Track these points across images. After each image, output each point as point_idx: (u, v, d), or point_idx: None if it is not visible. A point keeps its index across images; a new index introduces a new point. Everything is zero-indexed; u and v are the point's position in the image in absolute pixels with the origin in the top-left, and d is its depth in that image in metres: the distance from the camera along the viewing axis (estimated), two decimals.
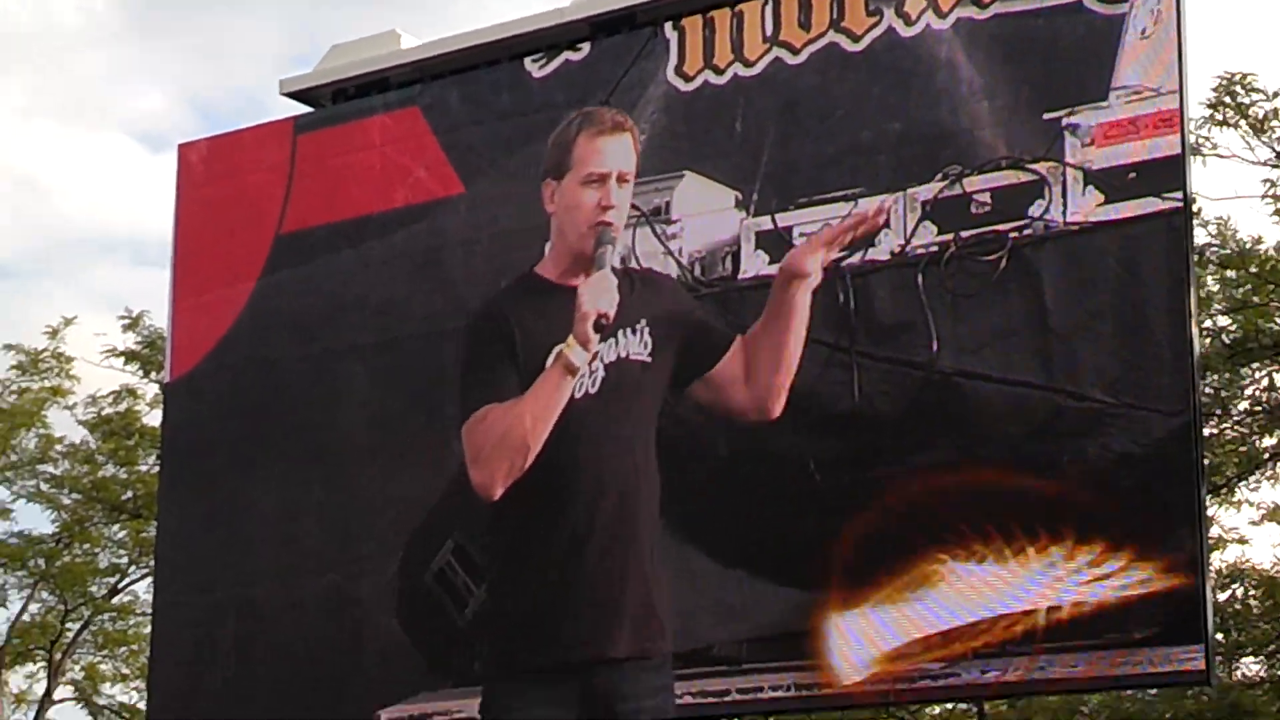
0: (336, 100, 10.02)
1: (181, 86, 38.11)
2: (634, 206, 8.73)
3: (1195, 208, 12.90)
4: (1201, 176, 13.21)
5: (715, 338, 8.35)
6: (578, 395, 8.31)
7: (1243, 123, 12.93)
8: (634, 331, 8.38)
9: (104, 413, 19.07)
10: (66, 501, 19.22)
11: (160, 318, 18.55)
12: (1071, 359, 7.74)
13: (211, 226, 10.12)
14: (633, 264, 8.65)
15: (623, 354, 8.38)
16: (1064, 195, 7.85)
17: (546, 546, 8.47)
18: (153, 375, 18.51)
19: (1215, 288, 13.20)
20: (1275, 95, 12.94)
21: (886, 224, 8.15)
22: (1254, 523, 14.07)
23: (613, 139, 8.56)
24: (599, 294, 8.15)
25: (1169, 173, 7.68)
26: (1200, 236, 12.98)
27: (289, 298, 9.75)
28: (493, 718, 8.58)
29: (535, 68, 9.30)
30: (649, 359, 8.39)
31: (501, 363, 8.51)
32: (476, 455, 8.51)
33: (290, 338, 9.71)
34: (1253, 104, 12.96)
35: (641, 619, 8.27)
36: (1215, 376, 12.95)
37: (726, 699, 8.15)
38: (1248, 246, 13.05)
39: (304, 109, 10.12)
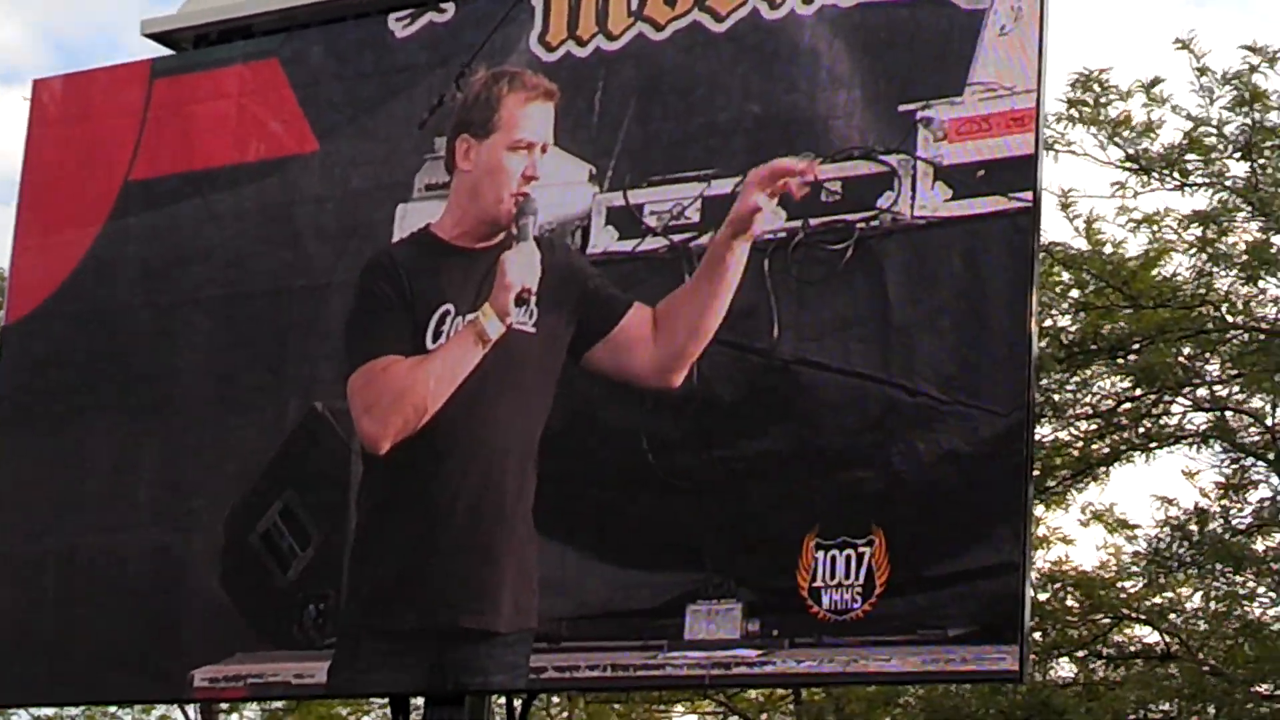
0: (199, 45, 9.90)
1: (40, 20, 37.51)
2: None
3: (1067, 200, 13.11)
4: (1053, 172, 13.37)
5: (612, 302, 8.24)
6: None
7: (1095, 126, 13.02)
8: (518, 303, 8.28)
9: None
10: None
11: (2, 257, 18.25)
12: (910, 354, 7.75)
13: (60, 168, 9.97)
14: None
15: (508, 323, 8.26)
16: (913, 189, 7.84)
17: (415, 511, 8.42)
18: None
19: (1064, 287, 13.29)
20: (1129, 95, 13.05)
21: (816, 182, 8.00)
22: (1081, 523, 14.23)
23: (542, 106, 8.47)
24: (524, 267, 8.13)
25: (1019, 172, 7.69)
26: (1061, 232, 13.13)
27: (135, 245, 9.61)
28: (343, 678, 8.46)
29: (399, 27, 9.20)
30: (533, 330, 8.27)
31: (393, 314, 8.43)
32: (370, 406, 8.43)
33: (134, 286, 9.57)
34: (1109, 103, 13.05)
35: (502, 594, 8.16)
36: (1053, 377, 13.05)
37: (543, 675, 8.08)
38: (1090, 250, 13.14)
39: (165, 50, 9.96)
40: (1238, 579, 13.09)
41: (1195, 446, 13.29)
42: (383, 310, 8.50)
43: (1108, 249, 13.20)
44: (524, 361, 8.26)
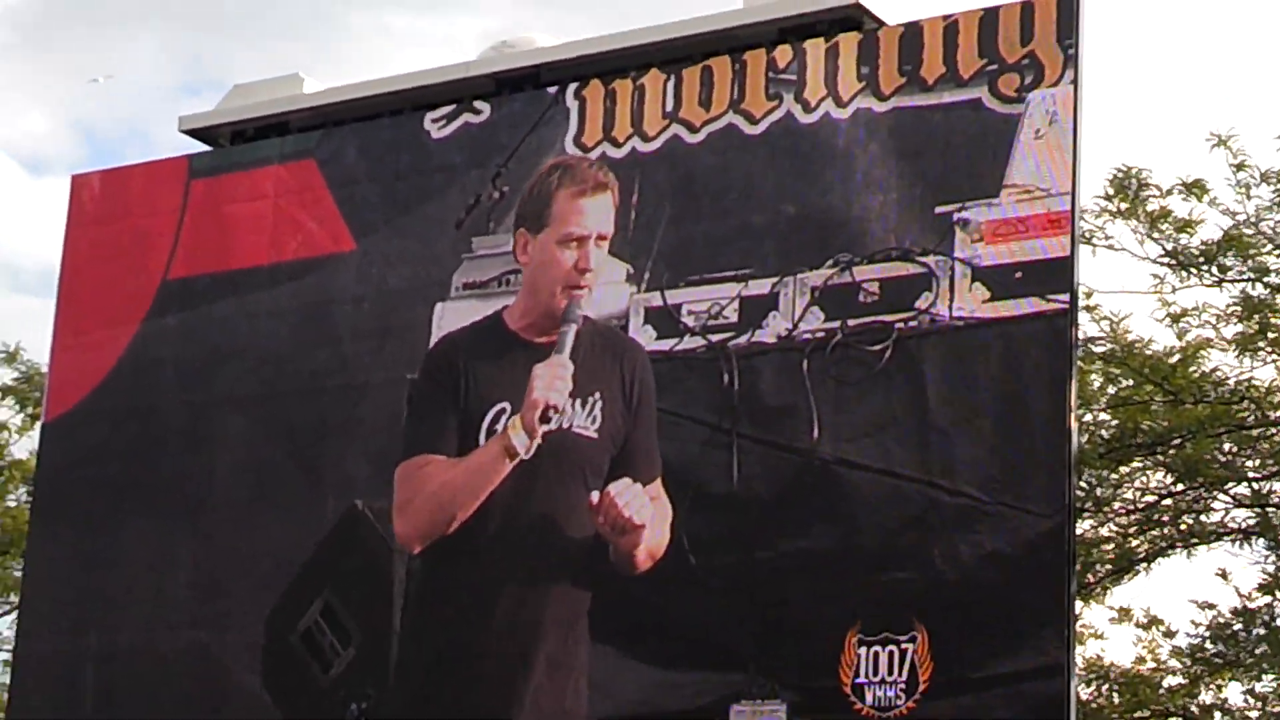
0: (235, 140, 9.99)
1: (67, 110, 37.66)
2: None
3: (1090, 301, 13.13)
4: (1092, 268, 13.38)
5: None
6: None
7: (1134, 219, 13.04)
8: (583, 404, 8.26)
9: None
10: None
11: (36, 351, 18.40)
12: (949, 453, 7.75)
13: (98, 265, 10.05)
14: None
15: (564, 424, 8.21)
16: (951, 290, 7.88)
17: (451, 610, 8.39)
18: (28, 410, 18.24)
19: (1098, 383, 13.31)
20: (1168, 193, 13.08)
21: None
22: (1112, 620, 14.20)
23: (594, 199, 8.48)
24: (551, 383, 8.04)
25: (1055, 274, 7.72)
26: (1092, 330, 13.13)
27: (171, 344, 9.67)
28: None
29: (435, 128, 9.28)
30: (595, 436, 8.29)
31: (444, 410, 8.42)
32: (405, 505, 8.42)
33: (170, 385, 9.63)
34: (1146, 199, 13.08)
35: (537, 698, 8.14)
36: (1092, 474, 13.04)
37: None
38: (1136, 345, 13.16)
39: (201, 145, 10.06)
40: None
41: (1238, 543, 13.27)
42: (433, 403, 8.50)
43: (1150, 345, 13.17)
44: (580, 463, 8.25)
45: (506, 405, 8.24)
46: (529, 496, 8.21)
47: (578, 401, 8.18)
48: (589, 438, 8.27)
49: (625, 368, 8.36)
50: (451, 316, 8.90)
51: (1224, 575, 13.69)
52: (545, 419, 8.03)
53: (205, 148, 10.04)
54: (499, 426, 8.23)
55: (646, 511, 7.99)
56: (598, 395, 8.25)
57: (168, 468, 9.51)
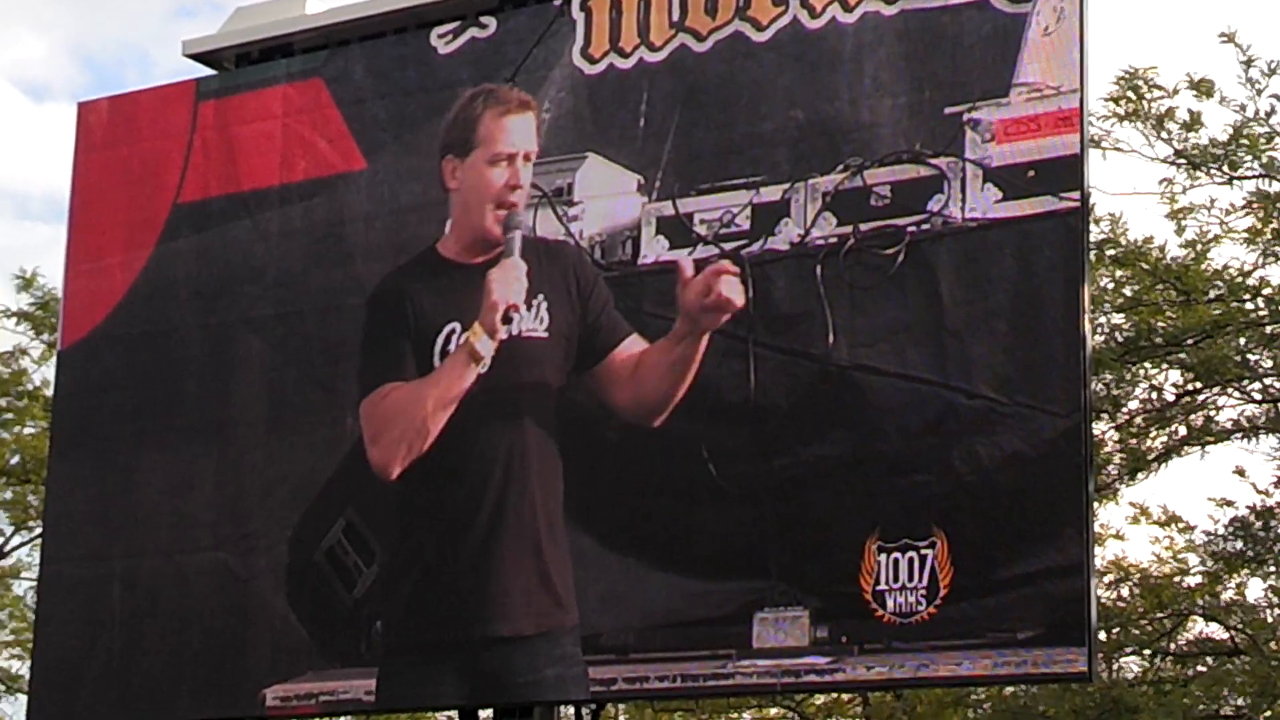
0: (240, 64, 9.94)
1: (65, 34, 37.44)
2: (536, 186, 8.71)
3: (1091, 202, 13.08)
4: (1101, 171, 13.33)
5: (612, 329, 8.34)
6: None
7: (1141, 122, 12.98)
8: (530, 308, 8.37)
9: None
10: None
11: (52, 277, 18.42)
12: (965, 356, 7.76)
13: (109, 191, 10.02)
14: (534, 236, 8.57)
15: (515, 331, 8.36)
16: (963, 191, 7.86)
17: (438, 525, 8.52)
18: (44, 336, 18.27)
19: (1110, 285, 13.28)
20: (1175, 92, 13.02)
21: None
22: (1131, 520, 14.22)
23: (518, 118, 8.63)
24: (509, 284, 8.23)
25: (1067, 172, 7.70)
26: (1095, 233, 13.06)
27: (186, 267, 9.67)
28: (387, 695, 8.57)
29: (441, 44, 9.24)
30: (545, 335, 8.39)
31: (397, 340, 8.56)
32: (376, 435, 8.56)
33: (186, 308, 9.64)
34: (1154, 100, 13.03)
35: (530, 596, 8.26)
36: (1108, 374, 13.03)
37: (613, 688, 8.15)
38: (1139, 245, 13.14)
39: (205, 70, 10.03)
40: None
41: (1250, 439, 13.27)
42: (384, 337, 8.64)
43: (1156, 244, 13.16)
44: (538, 364, 8.36)
45: (456, 325, 8.41)
46: (492, 406, 8.27)
47: (524, 306, 8.30)
48: (540, 338, 8.39)
49: (566, 266, 8.45)
50: None
51: (1241, 473, 13.71)
52: (507, 319, 8.23)
53: (209, 71, 10.00)
54: (451, 346, 8.35)
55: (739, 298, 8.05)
56: (541, 296, 8.38)
57: (186, 390, 9.53)
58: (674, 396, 8.12)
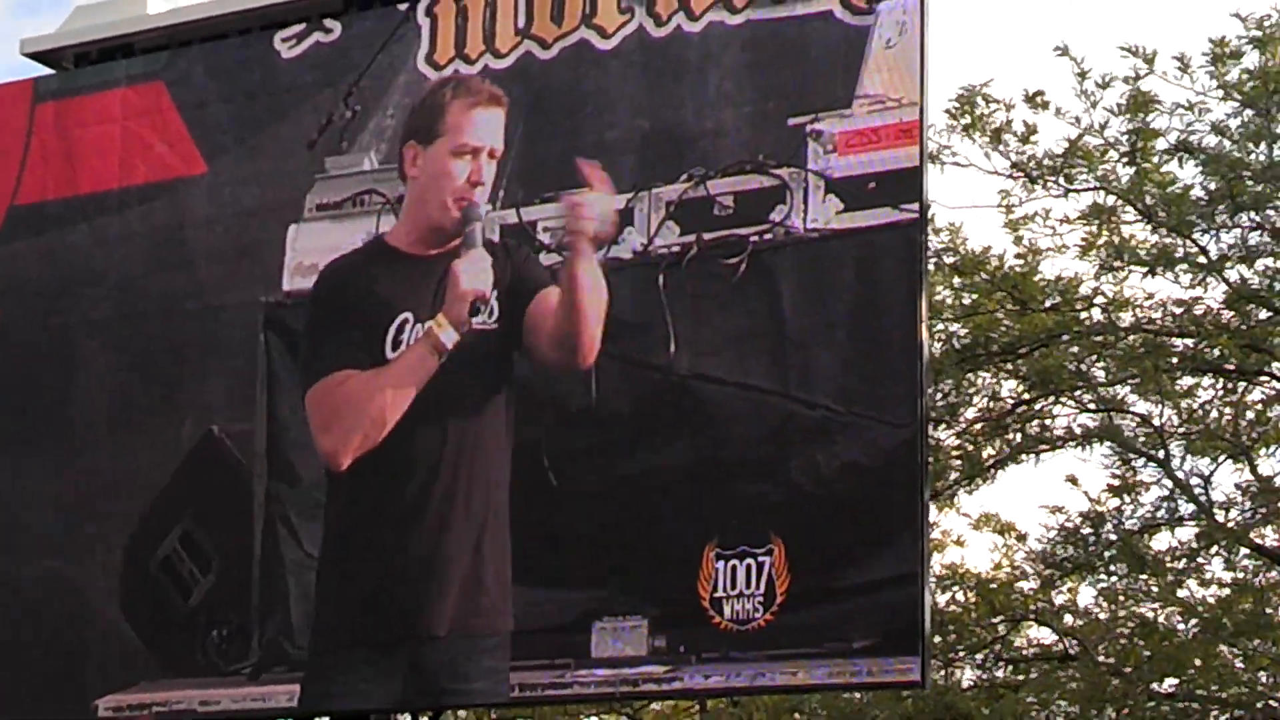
0: (79, 63, 9.81)
1: None
2: (379, 193, 8.65)
3: (930, 214, 13.23)
4: (940, 184, 13.52)
5: (533, 284, 8.18)
6: None
7: (978, 134, 13.19)
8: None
9: None
10: None
11: None
12: (806, 366, 7.81)
13: None
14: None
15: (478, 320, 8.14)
16: (805, 202, 7.90)
17: (381, 519, 8.31)
18: None
19: (948, 295, 13.48)
20: (1010, 107, 13.22)
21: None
22: (973, 526, 14.40)
23: (488, 111, 8.38)
24: (475, 274, 8.01)
25: (907, 184, 7.75)
26: (934, 243, 13.25)
27: (24, 269, 9.54)
28: (316, 692, 8.40)
29: (285, 48, 9.17)
30: (495, 326, 8.21)
31: (348, 328, 8.33)
32: (328, 423, 8.30)
33: (24, 310, 9.50)
34: (990, 114, 13.23)
35: (468, 594, 8.11)
36: (947, 382, 13.20)
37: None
38: (977, 254, 13.34)
39: (42, 69, 9.90)
40: (1142, 577, 13.30)
41: (1083, 447, 13.48)
42: (335, 323, 8.42)
43: (993, 254, 13.38)
44: (487, 358, 8.19)
45: (408, 315, 8.20)
46: (442, 399, 8.15)
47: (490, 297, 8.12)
48: (490, 329, 8.23)
49: (511, 258, 8.29)
50: (305, 238, 8.83)
51: (1074, 481, 13.91)
52: (475, 311, 7.99)
53: (48, 70, 9.86)
54: (404, 337, 8.19)
55: (606, 228, 7.97)
56: (494, 288, 8.19)
57: (23, 393, 9.39)
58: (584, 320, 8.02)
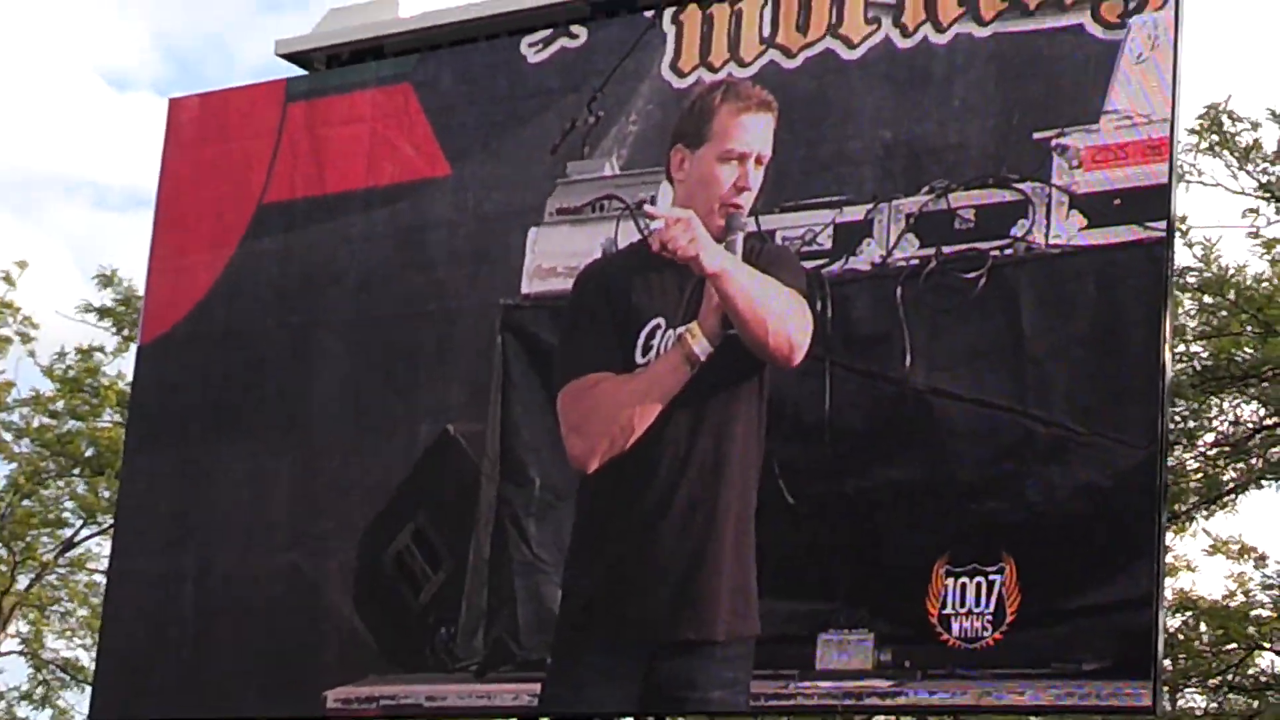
0: (330, 64, 9.99)
1: (148, 24, 37.61)
2: (618, 198, 8.68)
3: (1185, 227, 12.99)
4: (1186, 201, 13.27)
5: None
6: None
7: (1227, 152, 12.93)
8: None
9: (69, 367, 18.95)
10: (22, 451, 19.11)
11: (126, 269, 18.68)
12: (1044, 383, 7.69)
13: (195, 189, 10.09)
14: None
15: (731, 330, 8.03)
16: (1048, 217, 7.79)
17: (626, 524, 8.25)
18: (123, 332, 18.44)
19: (1193, 312, 13.23)
20: (1258, 125, 12.95)
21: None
22: (1206, 552, 14.12)
23: (757, 116, 8.27)
24: None
25: (1154, 201, 7.63)
26: (1185, 258, 13.05)
27: (268, 267, 9.71)
28: (556, 692, 8.40)
29: (531, 52, 9.25)
30: None
31: (604, 329, 8.27)
32: (579, 424, 8.21)
33: (267, 309, 9.67)
34: (1238, 133, 12.96)
35: (710, 603, 8.05)
36: (1184, 404, 12.96)
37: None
38: (1229, 274, 13.06)
39: (293, 69, 10.10)
40: None
41: None
42: (591, 325, 8.35)
43: (1243, 273, 13.09)
44: (741, 369, 8.06)
45: (660, 320, 8.12)
46: (698, 410, 8.09)
47: None
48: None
49: (788, 266, 8.16)
50: (545, 242, 8.89)
51: None
52: (728, 323, 7.88)
53: (299, 71, 10.05)
54: (655, 342, 8.11)
55: (695, 245, 7.86)
56: None
57: (265, 390, 9.56)
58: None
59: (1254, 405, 13.44)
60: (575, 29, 9.15)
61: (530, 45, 9.25)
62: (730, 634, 7.96)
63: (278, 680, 9.10)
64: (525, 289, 8.90)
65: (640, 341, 8.13)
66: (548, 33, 9.21)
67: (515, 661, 8.56)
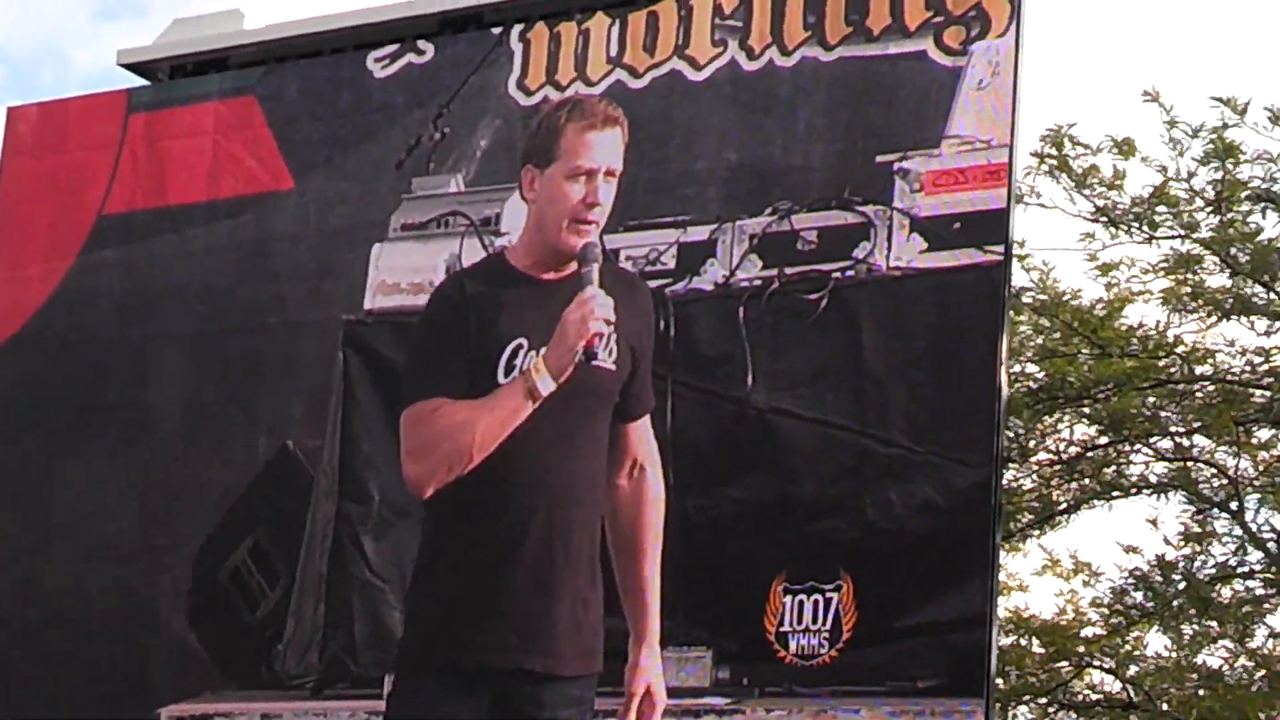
0: (174, 75, 9.90)
1: None
2: (463, 215, 8.67)
3: (1022, 251, 13.23)
4: (1025, 223, 13.53)
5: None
6: None
7: (1065, 176, 13.18)
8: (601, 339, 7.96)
9: None
10: None
11: None
12: (883, 403, 7.78)
13: (35, 199, 9.95)
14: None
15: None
16: (889, 240, 7.88)
17: (475, 549, 8.11)
18: None
19: (1030, 333, 13.48)
20: (1098, 150, 13.21)
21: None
22: (1036, 572, 14.37)
23: (604, 133, 8.16)
24: (582, 323, 7.66)
25: (992, 225, 7.73)
26: (1022, 279, 13.29)
27: (108, 279, 9.60)
28: (400, 713, 8.29)
29: (377, 67, 9.22)
30: (613, 368, 8.00)
31: (453, 352, 8.15)
32: (417, 449, 8.01)
33: (106, 320, 9.55)
34: (1076, 157, 13.22)
35: (559, 638, 7.96)
36: (1019, 423, 13.17)
37: None
38: (1065, 297, 13.31)
39: (135, 79, 10.00)
40: (1209, 624, 13.24)
41: (1158, 496, 13.43)
42: (439, 346, 8.25)
43: (1079, 297, 13.35)
44: (603, 398, 8.06)
45: (523, 341, 7.97)
46: (548, 433, 8.01)
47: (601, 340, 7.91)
48: (608, 370, 7.98)
49: (638, 301, 8.13)
50: (389, 258, 8.86)
51: (1154, 523, 13.90)
52: (590, 355, 7.64)
53: (141, 81, 9.96)
54: (518, 363, 8.00)
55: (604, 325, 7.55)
56: (612, 327, 7.98)
57: (102, 403, 9.44)
58: None
59: (1084, 424, 13.69)
60: (422, 45, 9.14)
61: (377, 60, 9.23)
62: (579, 670, 7.91)
63: (111, 696, 8.97)
64: (369, 304, 8.86)
65: (503, 361, 7.98)
66: (394, 48, 9.18)
67: (351, 678, 8.51)
